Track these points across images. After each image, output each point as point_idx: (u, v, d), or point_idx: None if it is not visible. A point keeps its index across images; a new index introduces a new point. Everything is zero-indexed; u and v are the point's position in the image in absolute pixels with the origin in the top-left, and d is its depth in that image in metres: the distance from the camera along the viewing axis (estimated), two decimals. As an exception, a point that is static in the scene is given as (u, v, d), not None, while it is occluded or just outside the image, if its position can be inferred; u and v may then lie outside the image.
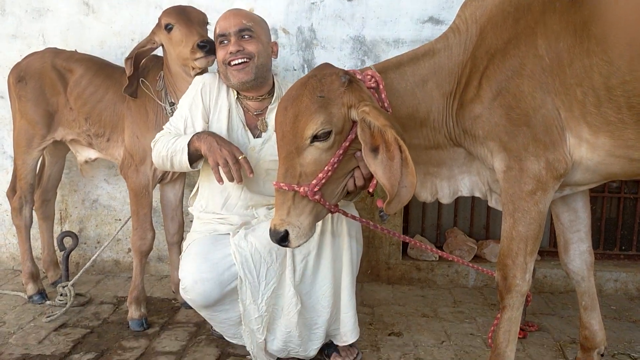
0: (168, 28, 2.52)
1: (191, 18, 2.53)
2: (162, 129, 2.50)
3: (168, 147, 2.27)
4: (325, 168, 1.78)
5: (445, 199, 2.13)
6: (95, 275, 3.44)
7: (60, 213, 3.48)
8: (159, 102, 2.66)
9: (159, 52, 2.70)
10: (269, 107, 2.40)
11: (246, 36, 2.30)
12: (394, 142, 1.69)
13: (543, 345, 2.59)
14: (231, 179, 2.15)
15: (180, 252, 2.93)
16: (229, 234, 2.31)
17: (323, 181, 1.78)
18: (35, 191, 3.11)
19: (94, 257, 2.87)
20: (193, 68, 2.49)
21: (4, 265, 3.55)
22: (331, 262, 2.24)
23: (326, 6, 3.23)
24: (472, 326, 2.78)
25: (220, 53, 2.33)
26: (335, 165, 1.79)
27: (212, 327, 2.50)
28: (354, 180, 1.89)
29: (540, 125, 1.79)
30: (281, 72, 3.28)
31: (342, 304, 2.30)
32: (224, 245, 2.25)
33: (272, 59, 2.43)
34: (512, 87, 1.80)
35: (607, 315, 2.85)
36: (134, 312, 2.71)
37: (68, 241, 3.03)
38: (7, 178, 3.14)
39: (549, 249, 3.49)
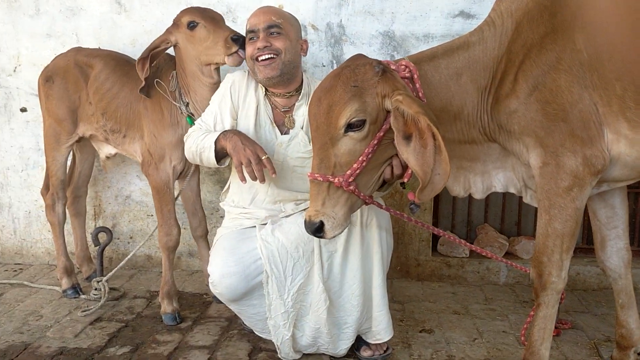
0: (191, 26, 2.53)
1: (215, 17, 2.57)
2: (179, 127, 2.61)
3: (197, 143, 2.32)
4: (360, 158, 1.78)
5: (479, 194, 2.10)
6: (128, 270, 3.49)
7: (94, 209, 3.54)
8: (174, 102, 2.68)
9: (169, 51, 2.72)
10: (297, 104, 2.41)
11: (274, 32, 2.30)
12: (427, 130, 1.67)
13: (577, 343, 2.56)
14: (254, 179, 2.17)
15: (207, 245, 2.98)
16: (254, 226, 2.34)
17: (357, 172, 1.78)
18: (67, 188, 3.16)
19: (129, 256, 2.87)
20: (216, 64, 2.51)
21: (39, 260, 3.63)
22: (360, 259, 2.24)
23: (355, 2, 3.21)
24: (505, 324, 2.76)
25: (249, 49, 2.35)
26: (370, 156, 1.79)
27: (243, 321, 2.52)
28: (392, 169, 1.89)
29: (577, 121, 1.76)
30: (310, 69, 3.28)
31: (374, 302, 2.29)
32: (250, 239, 2.28)
33: (302, 56, 2.44)
34: (548, 82, 1.77)
35: (643, 313, 2.80)
36: (166, 307, 2.74)
37: (102, 236, 3.08)
38: (44, 175, 3.21)
39: (582, 245, 3.43)
